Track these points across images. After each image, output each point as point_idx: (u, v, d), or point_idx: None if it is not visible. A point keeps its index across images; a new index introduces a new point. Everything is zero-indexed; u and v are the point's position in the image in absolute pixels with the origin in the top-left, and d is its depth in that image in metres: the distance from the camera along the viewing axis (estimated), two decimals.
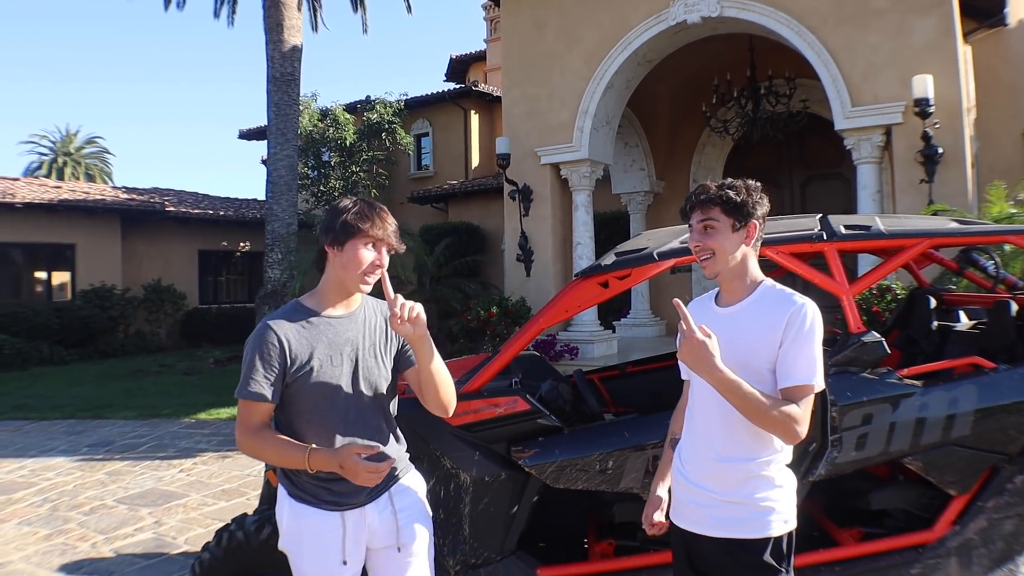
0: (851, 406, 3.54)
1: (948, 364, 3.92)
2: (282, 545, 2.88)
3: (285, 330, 2.72)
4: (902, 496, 4.00)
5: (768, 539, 2.60)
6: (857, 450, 3.55)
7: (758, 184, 2.75)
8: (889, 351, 3.75)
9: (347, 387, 2.77)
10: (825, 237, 3.81)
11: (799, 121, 14.52)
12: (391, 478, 2.89)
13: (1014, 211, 8.77)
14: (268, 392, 2.66)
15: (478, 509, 3.72)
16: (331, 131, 24.06)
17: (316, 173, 24.54)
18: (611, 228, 18.11)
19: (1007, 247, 7.52)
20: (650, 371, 5.24)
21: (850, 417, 3.53)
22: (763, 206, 2.70)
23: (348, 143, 23.97)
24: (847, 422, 3.53)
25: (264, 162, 26.78)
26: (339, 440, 2.73)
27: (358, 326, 2.83)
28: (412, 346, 2.74)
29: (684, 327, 2.47)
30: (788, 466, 2.70)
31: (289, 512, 2.83)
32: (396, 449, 2.91)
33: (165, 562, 5.81)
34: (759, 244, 2.74)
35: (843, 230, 3.87)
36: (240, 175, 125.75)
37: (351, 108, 24.98)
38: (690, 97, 16.17)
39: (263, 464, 4.49)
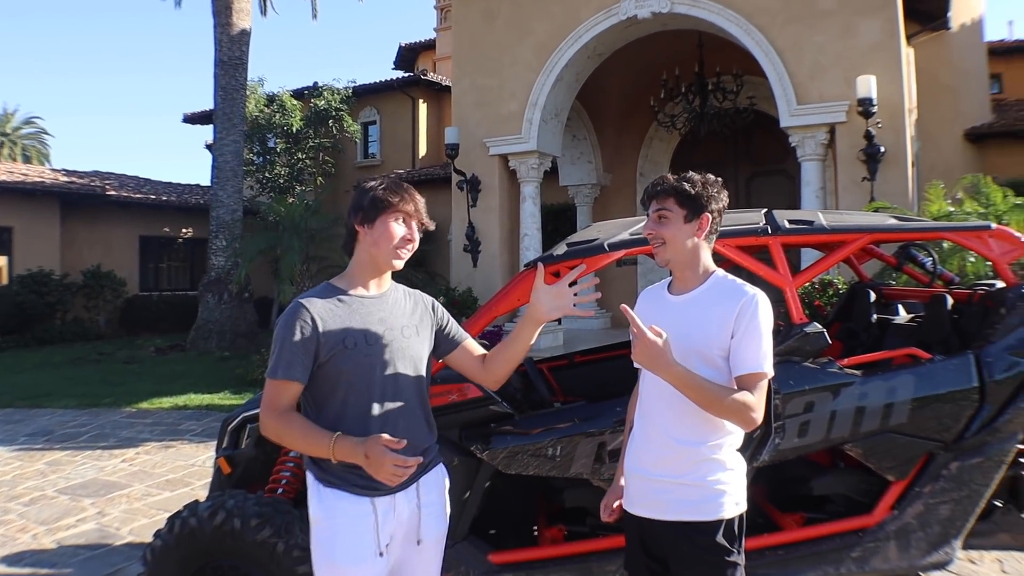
0: (793, 394, 3.63)
1: (887, 355, 4.02)
2: (313, 536, 2.78)
3: (318, 308, 2.70)
4: (843, 482, 4.11)
5: (720, 521, 2.67)
6: (799, 437, 3.64)
7: (719, 180, 2.81)
8: (830, 342, 3.85)
9: (382, 368, 2.75)
10: (770, 231, 3.90)
11: (745, 117, 14.72)
12: (421, 469, 2.84)
13: (952, 209, 8.99)
14: (299, 372, 2.64)
15: None
16: (277, 117, 23.84)
17: (261, 159, 24.27)
18: (558, 220, 18.22)
19: (945, 244, 7.72)
20: (598, 361, 5.31)
21: (792, 405, 3.62)
22: (719, 201, 2.75)
23: (294, 129, 23.79)
24: (790, 409, 3.62)
25: (209, 147, 26.51)
26: (374, 422, 2.69)
27: (390, 307, 2.82)
28: (540, 321, 2.83)
29: (634, 330, 2.54)
30: (738, 450, 2.77)
31: (319, 499, 2.75)
32: (428, 437, 2.89)
33: (109, 553, 5.72)
34: (713, 237, 2.80)
35: (787, 224, 3.96)
36: (184, 160, 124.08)
37: (298, 94, 24.79)
38: (639, 91, 16.32)
39: (212, 452, 4.46)
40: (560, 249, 3.90)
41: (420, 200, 2.79)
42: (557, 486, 4.11)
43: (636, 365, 2.85)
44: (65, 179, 22.97)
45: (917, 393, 3.70)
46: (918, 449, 3.74)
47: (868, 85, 10.75)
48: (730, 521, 2.69)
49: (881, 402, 3.68)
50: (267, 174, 23.95)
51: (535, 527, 4.42)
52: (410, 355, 2.81)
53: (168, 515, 3.90)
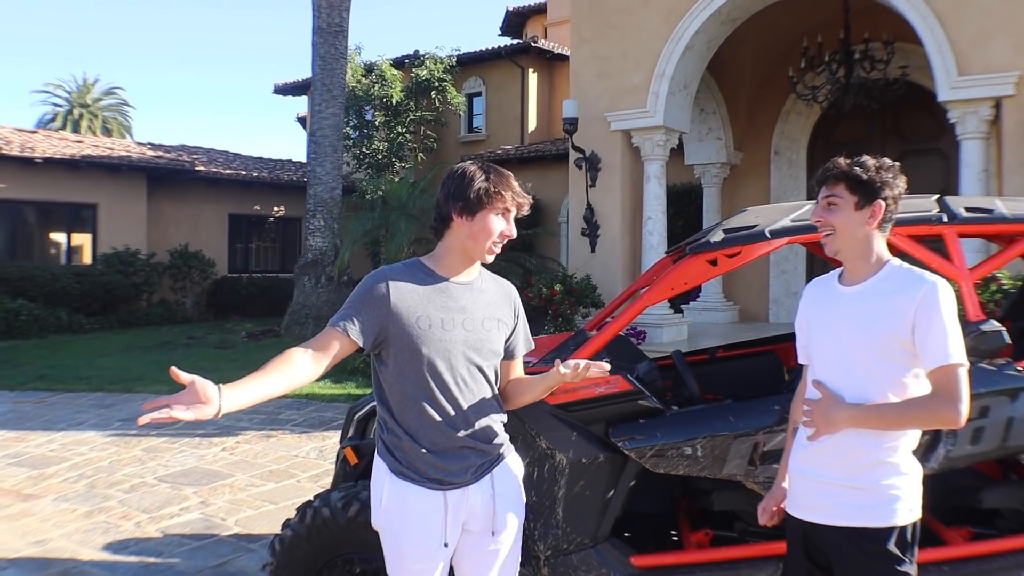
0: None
1: None
2: (378, 523, 3.00)
3: (398, 281, 2.89)
4: (1015, 495, 4.10)
5: (893, 528, 2.71)
6: (972, 444, 3.65)
7: (895, 164, 2.85)
8: (1009, 341, 3.83)
9: (458, 353, 2.90)
10: (945, 219, 3.91)
11: (896, 90, 14.36)
12: (496, 458, 3.04)
13: None
14: (355, 329, 2.82)
15: (573, 492, 3.87)
16: (376, 88, 24.26)
17: (358, 133, 24.77)
18: (681, 202, 18.13)
19: None
20: (740, 357, 5.36)
21: None
22: (894, 187, 2.79)
23: (394, 101, 24.15)
24: None
25: (301, 120, 27.15)
26: (445, 410, 2.89)
27: (475, 295, 2.99)
28: (558, 380, 2.93)
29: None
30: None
31: (391, 489, 2.93)
32: (500, 430, 3.07)
33: (216, 543, 6.00)
34: (888, 226, 2.83)
35: (964, 213, 3.95)
36: (274, 135, 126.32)
37: (398, 63, 25.15)
38: (776, 61, 16.13)
39: (314, 444, 4.66)
40: (717, 235, 3.95)
41: (517, 187, 2.93)
42: (702, 488, 4.19)
43: (798, 347, 2.95)
44: (152, 153, 23.69)
45: None
46: None
47: None
48: (903, 529, 2.73)
49: None
50: (364, 149, 24.43)
51: (672, 531, 4.52)
52: (488, 348, 2.99)
53: (280, 507, 4.07)
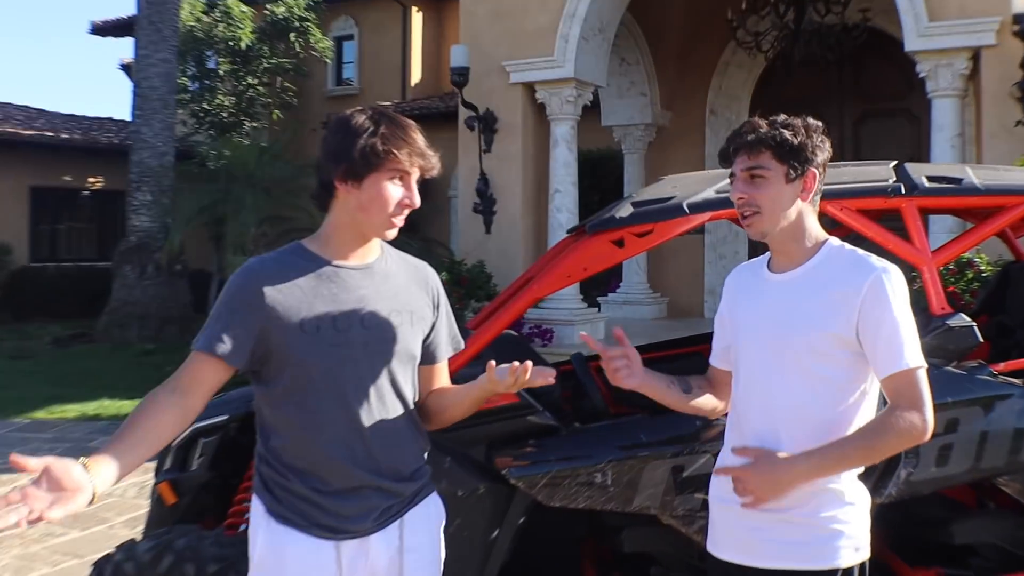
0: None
1: None
2: None
3: (272, 275, 2.72)
4: (993, 528, 4.14)
5: (836, 571, 2.70)
6: (938, 466, 3.67)
7: (818, 123, 2.83)
8: (980, 339, 3.87)
9: (358, 360, 2.75)
10: (904, 191, 3.92)
11: (856, 37, 14.50)
12: (407, 501, 2.87)
13: None
14: (225, 350, 2.65)
15: (448, 533, 3.81)
16: (220, 28, 23.89)
17: (198, 85, 24.36)
18: (596, 173, 18.22)
19: None
20: (662, 360, 5.34)
21: None
22: (824, 151, 2.79)
23: (243, 46, 23.85)
24: None
25: (125, 67, 26.60)
26: (345, 436, 2.72)
27: (377, 282, 2.83)
28: (489, 390, 2.82)
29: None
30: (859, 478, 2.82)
31: (267, 536, 2.77)
32: (417, 458, 2.94)
33: None
34: (818, 198, 2.84)
35: (926, 183, 3.97)
36: (92, 85, 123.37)
37: None
38: (712, 2, 16.20)
39: (144, 477, 4.52)
40: (624, 210, 3.92)
41: (421, 141, 2.73)
42: (611, 524, 4.15)
43: (714, 364, 2.95)
44: None
45: None
46: None
47: None
48: (848, 571, 2.72)
49: None
50: (206, 105, 24.06)
51: None
52: (400, 349, 2.82)
53: (86, 561, 3.95)
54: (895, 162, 4.20)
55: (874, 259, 2.72)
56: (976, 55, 11.53)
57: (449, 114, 15.91)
